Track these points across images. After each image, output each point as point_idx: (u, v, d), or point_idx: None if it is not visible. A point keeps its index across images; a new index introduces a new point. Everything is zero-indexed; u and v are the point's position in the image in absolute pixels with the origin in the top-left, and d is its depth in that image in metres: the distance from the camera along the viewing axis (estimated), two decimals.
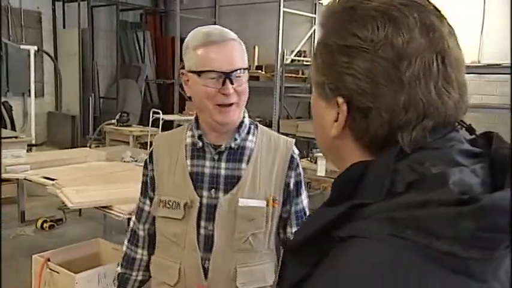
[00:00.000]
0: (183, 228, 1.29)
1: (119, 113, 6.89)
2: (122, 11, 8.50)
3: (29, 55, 5.72)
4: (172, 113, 7.55)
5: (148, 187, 1.39)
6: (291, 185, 1.33)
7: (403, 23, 0.55)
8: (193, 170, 1.30)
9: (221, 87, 1.21)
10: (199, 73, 1.22)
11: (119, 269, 1.48)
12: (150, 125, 6.49)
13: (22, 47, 5.68)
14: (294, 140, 1.39)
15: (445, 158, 0.54)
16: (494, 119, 5.24)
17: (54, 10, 8.04)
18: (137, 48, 8.89)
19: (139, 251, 1.43)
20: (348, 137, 0.61)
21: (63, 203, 4.90)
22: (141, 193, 1.42)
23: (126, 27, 8.81)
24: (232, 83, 1.21)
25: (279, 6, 6.21)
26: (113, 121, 6.87)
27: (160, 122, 6.21)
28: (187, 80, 1.28)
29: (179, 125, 7.36)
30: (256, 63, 7.22)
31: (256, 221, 1.28)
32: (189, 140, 1.33)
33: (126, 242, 1.47)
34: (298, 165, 1.35)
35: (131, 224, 1.46)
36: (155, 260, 1.39)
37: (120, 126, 6.77)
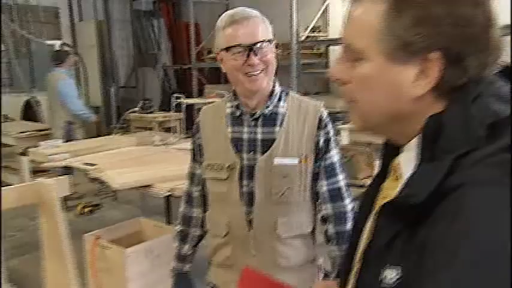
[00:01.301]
0: (228, 187, 1.47)
1: (142, 101, 7.08)
2: (135, 0, 8.62)
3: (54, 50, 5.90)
4: (191, 97, 7.71)
5: (197, 153, 1.59)
6: (321, 143, 1.47)
7: None
8: (234, 136, 1.48)
9: (247, 59, 1.36)
10: (227, 49, 1.39)
11: (177, 227, 1.68)
12: (172, 110, 6.68)
13: (48, 42, 5.86)
14: (322, 102, 1.54)
15: (503, 95, 0.60)
16: None
17: (70, 4, 8.21)
18: (152, 36, 9.03)
19: (194, 209, 1.63)
20: (430, 94, 0.63)
21: (99, 188, 5.17)
22: (192, 159, 1.62)
23: (140, 16, 8.95)
24: (256, 55, 1.36)
25: None
26: (135, 109, 7.07)
27: (183, 106, 6.40)
28: (221, 59, 1.45)
29: (199, 109, 7.55)
30: None
31: (290, 177, 1.44)
32: (228, 110, 1.51)
33: (182, 204, 1.67)
34: (327, 124, 1.49)
35: (185, 187, 1.67)
36: (208, 215, 1.59)
37: (144, 113, 6.97)
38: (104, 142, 4.49)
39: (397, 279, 0.60)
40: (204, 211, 1.62)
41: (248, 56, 1.36)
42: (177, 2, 9.35)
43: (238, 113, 1.49)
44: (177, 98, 6.54)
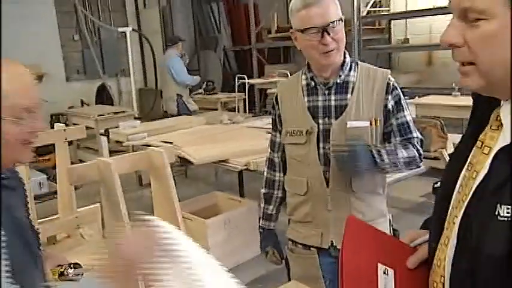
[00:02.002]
0: (307, 150, 1.62)
1: (205, 83, 7.31)
2: None
3: (124, 36, 6.22)
4: (252, 77, 7.84)
5: (277, 123, 1.74)
6: (390, 106, 1.59)
7: None
8: (310, 105, 1.63)
9: (321, 39, 1.50)
10: (302, 31, 1.52)
11: (263, 190, 1.84)
12: (236, 90, 6.86)
13: (119, 29, 6.19)
14: (389, 70, 1.65)
15: None
16: None
17: None
18: (212, 19, 9.22)
19: (277, 174, 1.79)
20: None
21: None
22: (272, 129, 1.79)
23: (201, 0, 9.14)
24: (329, 34, 1.50)
25: None
26: (199, 90, 7.32)
27: (246, 87, 6.55)
28: (295, 38, 1.59)
29: (261, 89, 7.69)
30: None
31: (362, 137, 1.55)
32: (304, 82, 1.66)
33: (265, 169, 1.83)
34: (395, 88, 1.60)
35: (267, 154, 1.83)
36: (288, 177, 1.75)
37: (207, 94, 7.21)
38: (176, 122, 4.73)
39: (511, 214, 0.70)
40: (285, 175, 1.77)
41: (322, 36, 1.49)
42: None
43: (312, 84, 1.63)
44: (240, 78, 6.70)
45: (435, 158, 3.17)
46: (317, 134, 1.60)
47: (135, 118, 5.78)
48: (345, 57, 1.62)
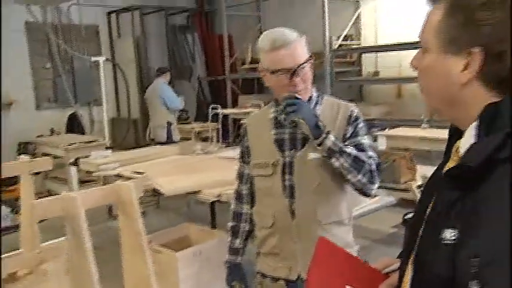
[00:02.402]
0: (273, 182, 1.65)
1: (179, 112, 7.30)
2: (170, 15, 8.92)
3: (97, 66, 6.19)
4: (225, 107, 7.88)
5: (245, 155, 1.77)
6: (348, 134, 1.63)
7: None
8: (277, 137, 1.67)
9: (290, 80, 1.56)
10: (272, 72, 1.58)
11: (230, 223, 1.84)
12: (209, 120, 6.86)
13: (93, 58, 6.16)
14: (354, 104, 1.71)
15: None
16: None
17: (109, 22, 8.57)
18: (187, 49, 9.31)
19: (244, 206, 1.80)
20: (475, 83, 0.76)
21: (142, 198, 5.37)
22: (240, 160, 1.81)
23: (175, 30, 9.24)
24: (298, 76, 1.55)
25: None
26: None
27: (220, 117, 6.56)
28: (264, 75, 1.64)
29: (235, 119, 7.70)
30: None
31: (324, 169, 1.59)
32: (272, 116, 1.71)
33: (233, 201, 1.84)
34: (356, 119, 1.65)
35: (235, 186, 1.84)
36: (255, 210, 1.76)
37: (181, 123, 7.19)
38: (149, 152, 4.68)
39: (455, 237, 0.72)
40: (253, 207, 1.78)
41: (291, 78, 1.55)
42: (210, 15, 9.62)
43: (280, 117, 1.66)
44: (214, 108, 6.72)
45: (405, 190, 3.22)
46: (282, 165, 1.63)
47: (107, 148, 5.70)
48: (312, 92, 1.67)
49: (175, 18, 9.24)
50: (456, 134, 0.86)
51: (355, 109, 1.67)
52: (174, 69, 8.93)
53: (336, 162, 1.55)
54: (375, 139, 4.80)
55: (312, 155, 1.61)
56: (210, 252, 3.26)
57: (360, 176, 1.56)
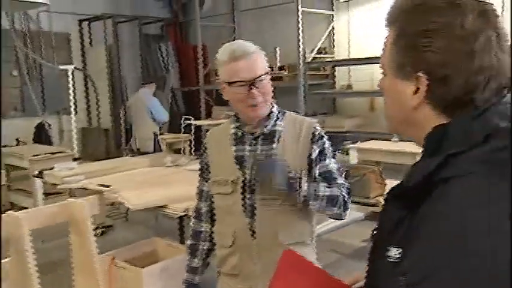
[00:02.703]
0: (233, 200, 1.59)
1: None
2: (144, 24, 8.82)
3: (64, 74, 6.03)
4: (199, 118, 7.80)
5: (204, 171, 1.72)
6: (314, 154, 1.60)
7: (466, 9, 0.74)
8: (237, 154, 1.61)
9: (248, 92, 1.52)
10: (230, 83, 1.54)
11: (188, 241, 1.78)
12: (182, 131, 6.78)
13: (61, 67, 6.00)
14: (316, 120, 1.69)
15: (506, 114, 0.73)
16: None
17: (81, 30, 8.41)
18: (161, 59, 9.20)
19: (203, 224, 1.74)
20: (426, 106, 0.78)
21: (110, 210, 5.22)
22: (200, 177, 1.75)
23: (149, 40, 9.14)
24: (256, 88, 1.52)
25: (297, 6, 6.41)
26: None
27: (193, 128, 6.49)
28: (223, 89, 1.60)
29: (208, 130, 7.62)
30: (278, 64, 7.42)
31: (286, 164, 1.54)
32: (232, 131, 1.65)
33: (192, 219, 1.78)
34: (321, 138, 1.62)
35: (195, 203, 1.77)
36: (215, 229, 1.70)
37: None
38: (117, 164, 4.55)
39: (399, 256, 0.72)
40: (212, 226, 1.72)
41: (249, 89, 1.51)
42: (184, 25, 9.57)
43: (240, 133, 1.63)
44: (186, 119, 6.64)
45: (374, 205, 3.21)
46: (243, 184, 1.58)
47: (75, 159, 5.53)
48: (272, 107, 1.63)
49: (149, 28, 9.15)
50: None
51: (318, 126, 1.65)
52: (147, 79, 8.82)
53: (312, 207, 1.53)
54: (347, 152, 4.81)
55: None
56: (177, 268, 3.15)
57: (335, 209, 1.56)
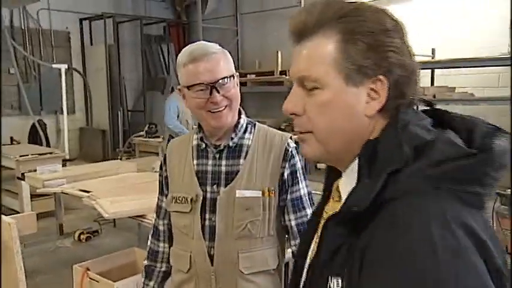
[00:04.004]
0: (191, 220, 1.42)
1: (147, 125, 7.04)
2: (146, 25, 8.68)
3: (60, 73, 5.91)
4: None
5: (163, 186, 1.53)
6: (286, 175, 1.43)
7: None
8: (199, 169, 1.45)
9: (209, 96, 1.34)
10: (188, 87, 1.36)
11: (145, 262, 1.61)
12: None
13: (54, 66, 5.88)
14: (289, 134, 1.49)
15: (426, 126, 0.71)
16: None
17: (81, 29, 8.30)
18: (162, 60, 9.07)
19: (161, 244, 1.57)
20: (376, 115, 0.73)
21: (99, 214, 5.07)
22: (159, 192, 1.57)
23: (150, 40, 9.00)
24: (218, 92, 1.34)
25: None
26: (141, 133, 7.03)
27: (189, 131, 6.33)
28: (183, 96, 1.41)
29: None
30: (279, 69, 7.24)
31: (253, 209, 1.39)
32: (195, 143, 1.48)
33: (150, 237, 1.61)
34: (293, 157, 1.44)
35: (153, 220, 1.60)
36: (172, 250, 1.53)
37: (149, 137, 6.92)
38: (103, 167, 4.40)
39: (340, 286, 0.69)
40: (171, 246, 1.55)
41: (211, 93, 1.34)
42: (186, 27, 9.43)
43: (203, 146, 1.46)
44: None
45: None
46: (203, 203, 1.41)
47: (66, 160, 5.40)
48: (239, 117, 1.45)
49: (151, 28, 9.02)
50: (332, 172, 0.85)
51: (291, 143, 1.46)
52: (147, 80, 8.69)
53: None
54: None
55: (240, 192, 1.39)
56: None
57: None
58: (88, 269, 2.95)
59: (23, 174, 4.20)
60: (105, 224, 5.08)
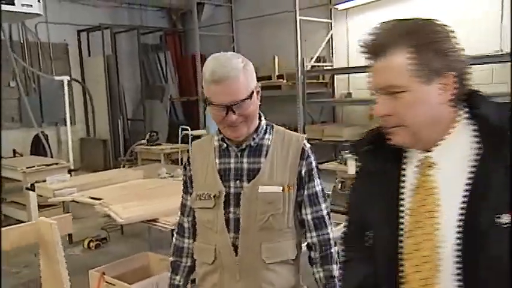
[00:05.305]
0: (214, 215, 1.53)
1: (149, 133, 7.11)
2: (143, 34, 8.77)
3: (62, 85, 5.99)
4: (198, 128, 7.73)
5: (188, 185, 1.65)
6: (303, 173, 1.55)
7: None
8: (221, 167, 1.56)
9: (225, 116, 1.45)
10: (209, 103, 1.49)
11: (170, 258, 1.71)
12: (180, 141, 6.71)
13: (56, 78, 5.96)
14: (305, 135, 1.62)
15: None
16: None
17: (79, 40, 8.39)
18: (159, 68, 9.16)
19: (186, 240, 1.67)
20: (448, 102, 0.97)
21: (106, 222, 5.14)
22: (183, 191, 1.68)
23: (148, 49, 9.09)
24: (234, 112, 1.45)
25: (295, 15, 6.36)
26: (143, 141, 7.10)
27: (190, 138, 6.41)
28: (205, 100, 1.52)
29: None
30: (277, 73, 7.36)
31: (274, 203, 1.50)
32: (216, 143, 1.59)
33: (175, 235, 1.72)
34: (309, 156, 1.57)
35: (177, 218, 1.71)
36: (196, 245, 1.63)
37: (151, 145, 6.98)
38: (111, 175, 4.48)
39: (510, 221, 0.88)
40: (195, 242, 1.65)
41: (227, 114, 1.44)
42: (183, 35, 9.53)
43: (224, 146, 1.57)
44: (183, 129, 6.57)
45: None
46: (227, 197, 1.51)
47: (70, 170, 5.47)
48: (260, 120, 1.57)
49: (147, 38, 9.12)
50: (378, 157, 1.11)
51: (307, 143, 1.59)
52: (145, 88, 8.77)
53: None
54: (345, 162, 4.73)
55: (263, 188, 1.50)
56: (167, 283, 3.07)
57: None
58: (104, 273, 3.03)
59: (32, 185, 4.27)
60: (113, 231, 5.16)
